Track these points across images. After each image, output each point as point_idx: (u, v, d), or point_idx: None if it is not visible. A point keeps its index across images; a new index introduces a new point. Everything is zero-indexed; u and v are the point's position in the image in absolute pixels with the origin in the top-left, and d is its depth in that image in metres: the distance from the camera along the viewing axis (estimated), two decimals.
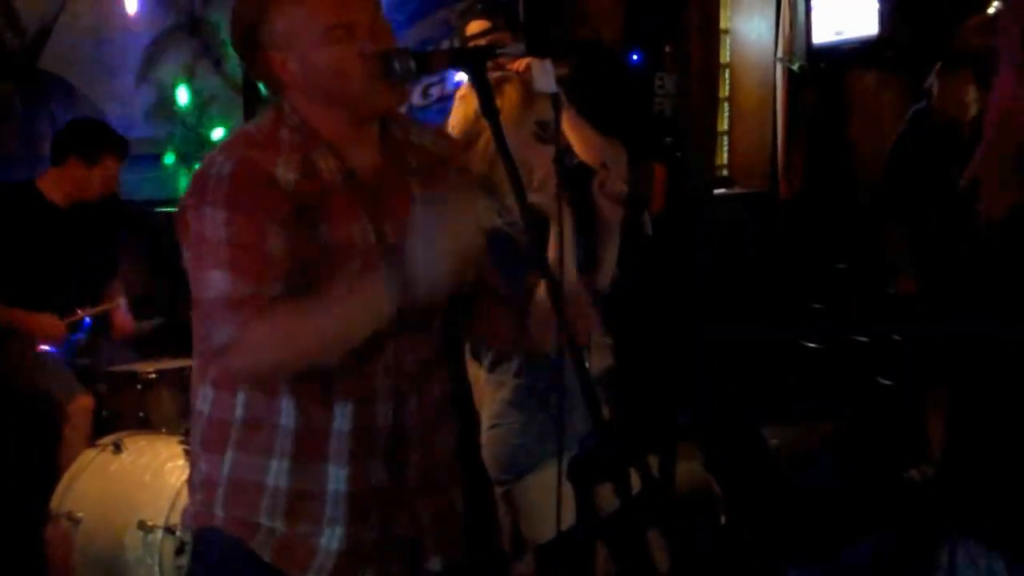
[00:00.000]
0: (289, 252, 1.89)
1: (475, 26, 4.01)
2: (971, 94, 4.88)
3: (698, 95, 7.28)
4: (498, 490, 3.09)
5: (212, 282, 1.88)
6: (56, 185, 4.58)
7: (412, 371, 2.05)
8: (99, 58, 5.89)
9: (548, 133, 3.07)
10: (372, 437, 2.02)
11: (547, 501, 2.97)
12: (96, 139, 4.64)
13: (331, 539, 2.01)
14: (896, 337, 5.18)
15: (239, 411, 2.00)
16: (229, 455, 2.01)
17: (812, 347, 5.53)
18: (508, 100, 3.08)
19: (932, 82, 4.96)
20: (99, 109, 5.80)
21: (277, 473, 2.00)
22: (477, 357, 3.16)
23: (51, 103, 5.75)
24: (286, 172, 1.92)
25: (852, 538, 4.45)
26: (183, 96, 6.11)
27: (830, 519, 4.55)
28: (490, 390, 3.10)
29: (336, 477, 2.01)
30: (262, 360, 1.88)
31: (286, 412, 1.99)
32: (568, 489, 2.86)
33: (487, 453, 3.08)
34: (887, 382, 5.23)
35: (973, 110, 4.87)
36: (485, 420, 3.11)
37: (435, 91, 6.21)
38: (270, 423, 1.99)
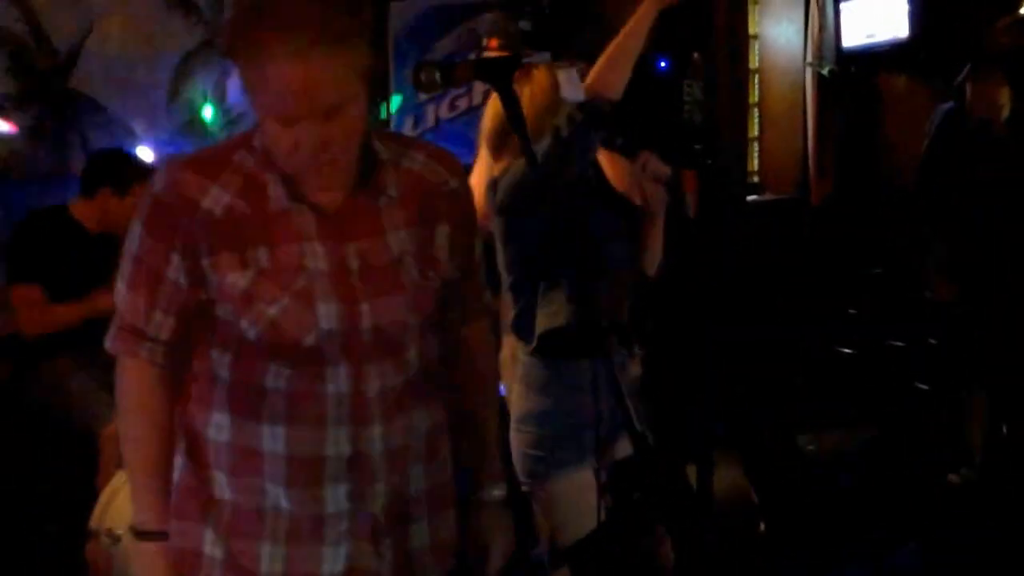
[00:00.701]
0: (192, 281, 1.91)
1: (494, 43, 4.01)
2: (1004, 95, 4.86)
3: (727, 101, 7.27)
4: (524, 490, 3.08)
5: (118, 292, 1.97)
6: (87, 213, 4.61)
7: (377, 400, 1.98)
8: (128, 78, 5.94)
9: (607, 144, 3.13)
10: (318, 464, 1.96)
11: (576, 503, 3.00)
12: (126, 170, 4.68)
13: (272, 560, 1.97)
14: (932, 341, 5.14)
15: (181, 419, 2.03)
16: (179, 461, 2.02)
17: (848, 352, 5.50)
18: (538, 85, 3.11)
19: (963, 84, 4.93)
20: (129, 128, 5.85)
21: (221, 486, 1.99)
22: (518, 335, 3.10)
23: (81, 123, 5.79)
24: (221, 195, 1.90)
25: (892, 543, 4.43)
26: (209, 114, 6.16)
27: (870, 524, 4.52)
28: (522, 374, 3.08)
29: (275, 495, 1.96)
30: (120, 390, 2.02)
31: (216, 425, 1.99)
32: (592, 491, 2.85)
33: (514, 454, 3.05)
34: (924, 387, 5.19)
35: (1006, 111, 4.85)
36: (513, 412, 3.08)
37: (462, 103, 6.23)
38: (204, 435, 1.99)
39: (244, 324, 1.90)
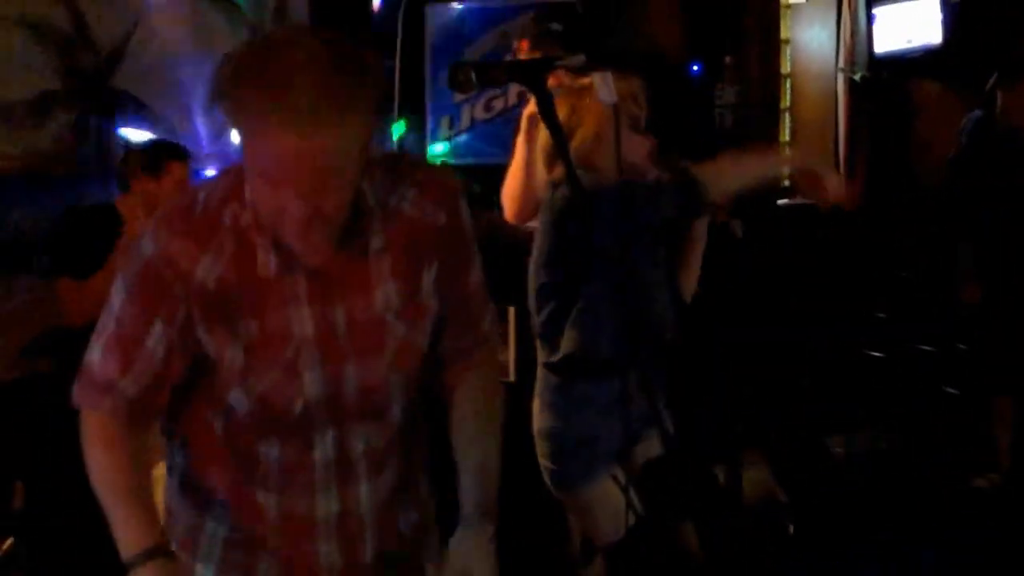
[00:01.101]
0: (175, 354, 1.86)
1: (525, 45, 4.03)
2: None
3: (758, 106, 7.29)
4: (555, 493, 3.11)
5: (91, 345, 1.90)
6: (131, 207, 4.67)
7: (362, 459, 2.00)
8: (172, 77, 5.98)
9: (637, 127, 3.13)
10: (309, 524, 2.00)
11: (601, 510, 3.03)
12: (156, 151, 4.75)
13: None
14: (961, 346, 5.15)
15: (178, 459, 2.05)
16: (172, 490, 2.07)
17: (876, 356, 5.51)
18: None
19: (994, 91, 4.95)
20: (172, 127, 5.90)
21: (215, 529, 2.03)
22: (542, 340, 3.13)
23: (124, 121, 5.84)
24: (213, 265, 1.82)
25: (918, 546, 4.44)
26: None
27: (896, 527, 4.53)
28: (539, 387, 3.11)
29: (270, 541, 2.02)
30: (83, 448, 1.93)
31: (213, 480, 2.02)
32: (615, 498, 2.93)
33: (541, 460, 3.09)
34: (953, 391, 5.20)
35: None
36: (534, 423, 3.12)
37: (498, 104, 6.27)
38: (203, 482, 2.02)
39: (234, 396, 1.89)
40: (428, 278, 1.96)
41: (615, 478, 2.94)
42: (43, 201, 5.49)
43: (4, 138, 5.50)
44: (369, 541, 2.03)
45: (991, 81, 4.98)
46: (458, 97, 6.08)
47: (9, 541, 4.32)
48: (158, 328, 1.84)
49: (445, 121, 6.41)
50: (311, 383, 1.90)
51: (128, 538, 1.88)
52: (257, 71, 1.64)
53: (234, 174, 1.86)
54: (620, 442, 2.95)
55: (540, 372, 3.13)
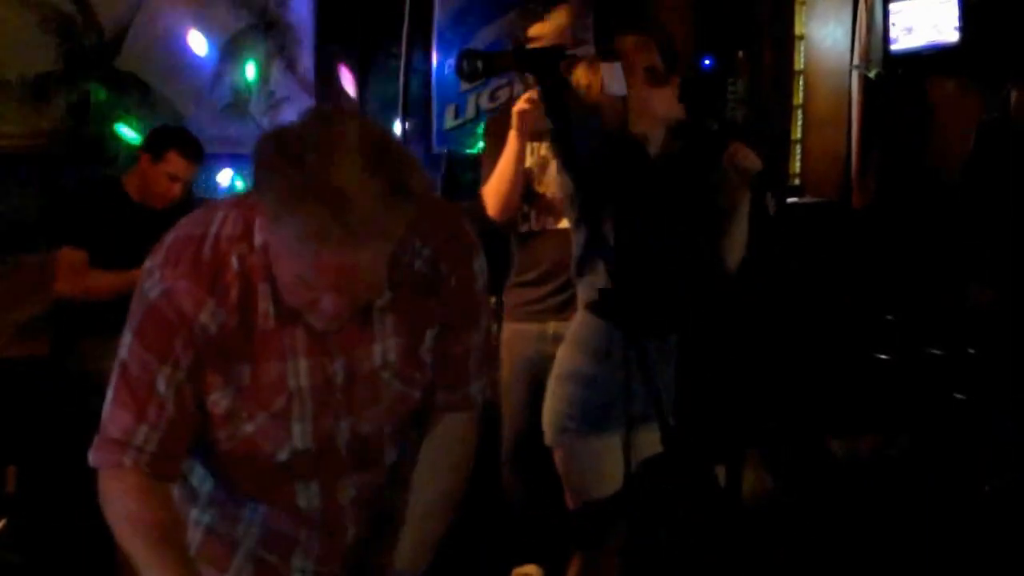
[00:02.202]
0: (188, 399, 1.83)
1: (538, 28, 3.97)
2: None
3: (771, 102, 7.22)
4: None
5: (108, 395, 1.87)
6: (132, 183, 4.70)
7: (350, 506, 2.00)
8: (174, 58, 5.95)
9: (659, 77, 3.11)
10: (287, 556, 2.01)
11: (596, 468, 3.07)
12: (163, 136, 4.75)
13: None
14: (971, 350, 5.10)
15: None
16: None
17: (884, 359, 5.46)
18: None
19: (1010, 92, 4.89)
20: (175, 109, 5.88)
21: (199, 516, 2.04)
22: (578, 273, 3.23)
23: (129, 103, 5.82)
24: (217, 311, 1.81)
25: (925, 551, 4.40)
26: (255, 95, 6.19)
27: (902, 531, 4.49)
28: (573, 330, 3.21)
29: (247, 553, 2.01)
30: (103, 510, 1.88)
31: (196, 515, 2.02)
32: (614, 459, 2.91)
33: (545, 411, 3.17)
34: (961, 396, 5.14)
35: None
36: (556, 368, 3.21)
37: (503, 93, 6.22)
38: (188, 519, 2.01)
39: (219, 436, 1.86)
40: (430, 336, 1.93)
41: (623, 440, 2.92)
42: (44, 182, 5.48)
43: (5, 118, 5.49)
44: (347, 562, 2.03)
45: (1009, 82, 4.92)
46: (464, 86, 6.01)
47: (2, 522, 4.30)
48: (167, 372, 1.80)
49: (451, 110, 6.35)
50: (300, 435, 1.87)
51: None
52: (310, 186, 1.59)
53: (245, 208, 1.82)
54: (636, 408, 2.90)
55: (579, 314, 3.21)
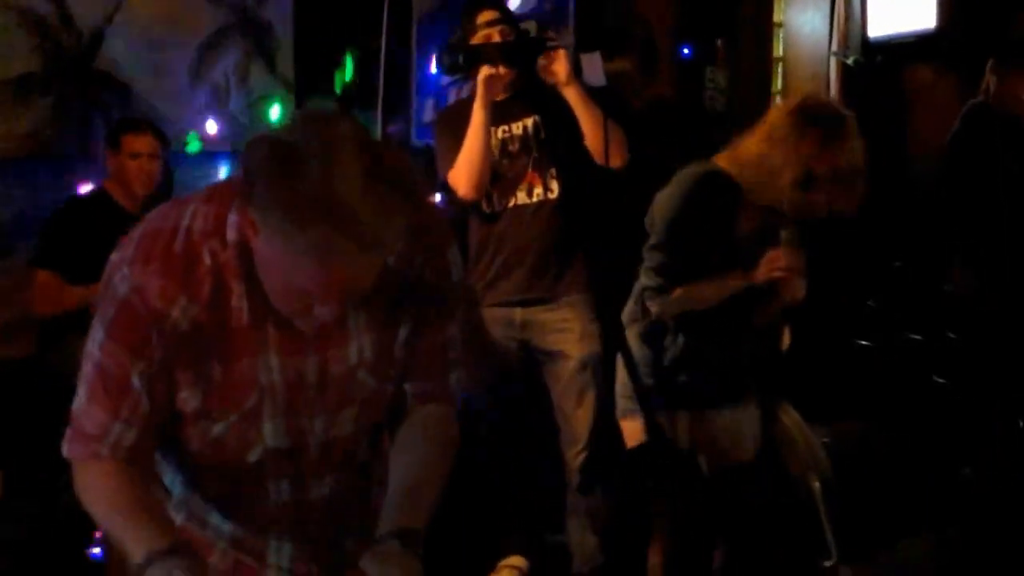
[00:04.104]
0: (162, 394, 1.81)
1: (486, 15, 3.97)
2: None
3: (750, 90, 7.22)
4: None
5: (77, 395, 1.84)
6: (114, 187, 4.71)
7: (321, 502, 1.99)
8: (153, 59, 5.95)
9: None
10: (261, 547, 2.02)
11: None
12: (112, 130, 4.81)
13: None
14: (951, 335, 5.11)
15: None
16: None
17: (865, 345, 5.47)
18: None
19: (989, 78, 4.90)
20: (155, 108, 5.88)
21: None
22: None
23: (106, 103, 5.82)
24: (189, 307, 1.77)
25: (905, 535, 4.41)
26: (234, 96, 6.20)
27: (883, 517, 4.50)
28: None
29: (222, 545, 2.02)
30: (80, 498, 1.86)
31: (172, 507, 2.01)
32: None
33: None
34: (942, 380, 5.16)
35: None
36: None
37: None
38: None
39: (189, 436, 1.85)
40: (404, 331, 1.91)
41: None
42: (23, 185, 5.47)
43: None
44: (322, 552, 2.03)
45: (987, 68, 4.93)
46: (445, 80, 6.00)
47: None
48: (140, 367, 1.77)
49: (430, 103, 6.34)
50: (272, 433, 1.85)
51: (141, 542, 1.75)
52: (318, 207, 1.56)
53: (217, 202, 1.79)
54: None
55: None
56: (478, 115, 3.88)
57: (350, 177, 1.57)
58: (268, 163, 1.61)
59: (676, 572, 3.52)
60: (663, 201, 3.40)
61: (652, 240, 3.39)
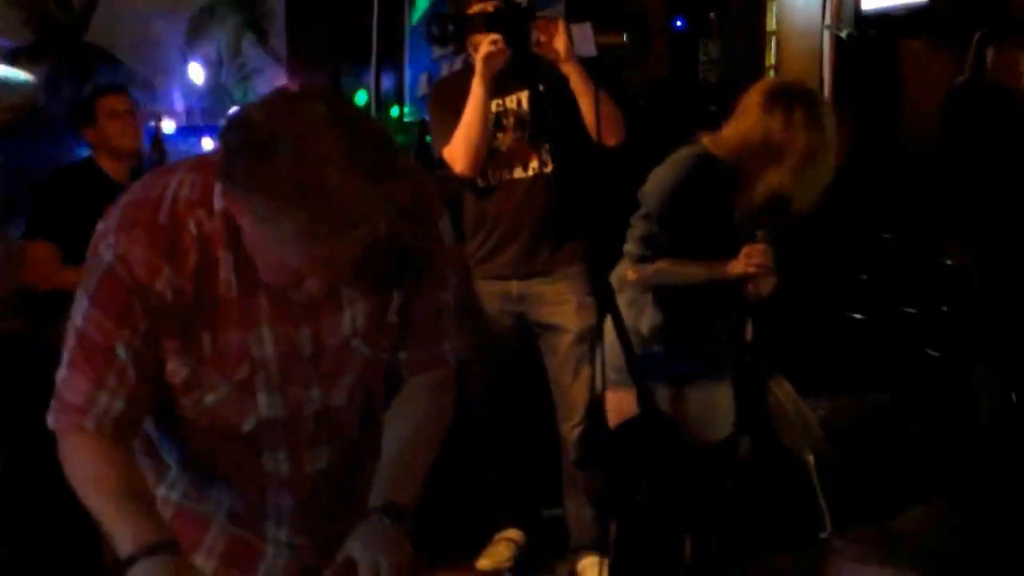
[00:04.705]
0: (141, 363, 1.78)
1: None
2: None
3: (743, 63, 7.21)
4: None
5: (61, 366, 1.82)
6: (101, 158, 4.67)
7: (319, 474, 1.99)
8: (145, 32, 5.92)
9: None
10: (260, 516, 2.01)
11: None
12: (81, 103, 4.76)
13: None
14: (944, 308, 5.13)
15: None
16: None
17: (858, 318, 5.48)
18: None
19: (981, 49, 4.89)
20: (146, 82, 5.85)
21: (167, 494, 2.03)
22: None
23: (97, 76, 5.79)
24: (174, 277, 1.76)
25: (899, 508, 4.43)
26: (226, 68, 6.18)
27: (877, 490, 4.52)
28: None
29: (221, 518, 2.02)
30: (66, 473, 1.83)
31: (164, 492, 2.01)
32: None
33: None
34: (935, 353, 5.17)
35: None
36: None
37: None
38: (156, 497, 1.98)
39: (182, 406, 1.84)
40: (398, 298, 1.91)
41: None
42: (13, 156, 5.45)
43: None
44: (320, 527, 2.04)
45: (975, 39, 4.92)
46: (436, 53, 5.98)
47: None
48: (125, 337, 1.75)
49: (423, 78, 6.32)
50: (268, 404, 1.85)
51: (127, 534, 1.71)
52: (298, 191, 1.55)
53: (203, 171, 1.77)
54: None
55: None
56: (477, 92, 3.88)
57: (328, 157, 1.55)
58: (245, 149, 1.59)
59: (650, 548, 3.54)
60: (657, 177, 3.47)
61: (642, 210, 3.45)
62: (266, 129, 1.58)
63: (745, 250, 3.38)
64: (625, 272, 3.53)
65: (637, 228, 3.48)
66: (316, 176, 1.55)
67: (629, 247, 3.50)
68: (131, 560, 1.67)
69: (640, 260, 3.43)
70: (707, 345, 3.53)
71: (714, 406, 3.53)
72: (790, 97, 3.32)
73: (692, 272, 3.39)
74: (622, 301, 3.47)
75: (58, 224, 4.46)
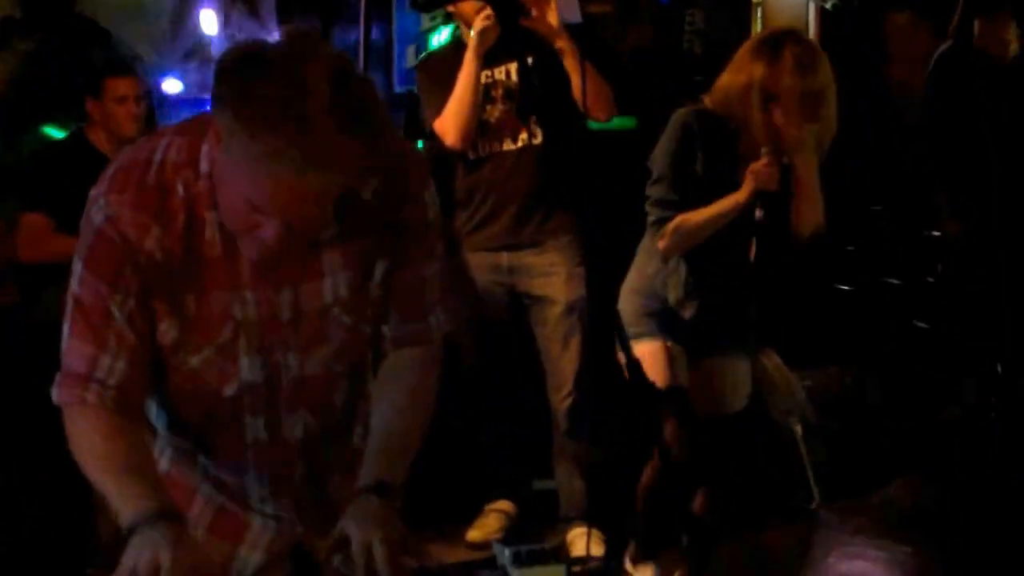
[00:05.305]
0: (136, 324, 1.82)
1: None
2: (1011, 32, 4.85)
3: (729, 33, 7.21)
4: None
5: (63, 338, 1.86)
6: (96, 133, 4.65)
7: (299, 444, 2.00)
8: (134, 4, 5.89)
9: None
10: (240, 487, 2.03)
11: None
12: (90, 74, 4.73)
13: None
14: (930, 280, 5.16)
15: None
16: None
17: (845, 289, 5.52)
18: None
19: (967, 20, 4.91)
20: (136, 55, 5.82)
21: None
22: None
23: (88, 49, 5.76)
24: (163, 237, 1.80)
25: (885, 478, 4.47)
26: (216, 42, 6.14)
27: (863, 460, 4.56)
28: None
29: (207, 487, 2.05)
30: (71, 447, 1.87)
31: (156, 452, 2.04)
32: None
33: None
34: (922, 324, 5.21)
35: (1013, 48, 4.84)
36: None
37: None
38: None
39: (168, 368, 1.88)
40: (381, 268, 1.93)
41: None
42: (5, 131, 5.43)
43: None
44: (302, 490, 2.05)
45: (959, 9, 4.94)
46: (425, 24, 5.97)
47: None
48: (119, 299, 1.80)
49: (411, 50, 6.31)
50: (248, 368, 1.88)
51: (129, 503, 1.75)
52: (273, 104, 1.59)
53: (192, 133, 1.82)
54: None
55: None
56: (470, 65, 3.89)
57: (315, 93, 1.59)
58: (236, 65, 1.64)
59: (657, 509, 3.57)
60: (661, 140, 3.48)
61: (653, 175, 3.48)
62: (264, 56, 1.64)
63: (749, 169, 3.37)
64: (648, 243, 3.55)
65: (652, 193, 3.50)
66: (299, 105, 1.58)
67: (649, 216, 3.53)
68: (133, 529, 1.71)
69: (660, 223, 3.43)
70: (730, 311, 3.53)
71: (733, 379, 3.56)
72: (779, 42, 3.33)
73: (708, 215, 3.39)
74: (647, 271, 3.52)
75: (49, 195, 4.47)
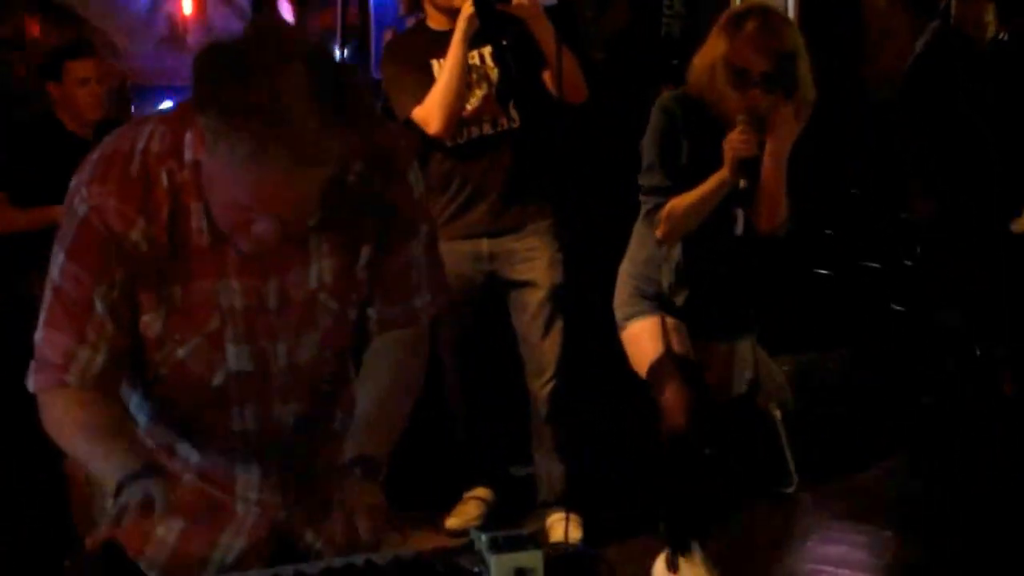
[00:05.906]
0: (119, 316, 1.80)
1: None
2: (990, 13, 4.85)
3: (708, 15, 7.20)
4: None
5: (39, 326, 1.84)
6: (62, 114, 4.62)
7: (289, 430, 1.99)
8: None
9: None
10: (230, 477, 2.02)
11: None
12: (52, 54, 4.69)
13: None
14: (908, 263, 5.17)
15: None
16: None
17: (823, 273, 5.52)
18: None
19: (949, 2, 4.92)
20: (111, 41, 5.78)
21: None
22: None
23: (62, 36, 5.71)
24: (148, 228, 1.77)
25: (864, 462, 4.48)
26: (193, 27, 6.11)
27: (842, 444, 4.57)
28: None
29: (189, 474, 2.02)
30: (48, 431, 1.85)
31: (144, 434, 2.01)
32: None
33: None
34: (899, 308, 5.22)
35: (991, 30, 4.84)
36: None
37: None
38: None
39: (154, 360, 1.86)
40: (366, 252, 1.91)
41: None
42: None
43: None
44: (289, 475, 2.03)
45: None
46: (403, 9, 5.93)
47: None
48: (103, 291, 1.78)
49: (389, 34, 6.27)
50: (235, 357, 1.86)
51: (116, 464, 1.74)
52: (256, 105, 1.57)
53: (175, 122, 1.79)
54: None
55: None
56: (457, 52, 3.84)
57: (296, 89, 1.58)
58: (216, 69, 1.62)
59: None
60: (648, 129, 3.48)
61: (644, 163, 3.47)
62: (240, 53, 1.62)
63: (725, 140, 3.33)
64: (641, 229, 3.55)
65: (644, 181, 3.49)
66: (280, 104, 1.57)
67: (644, 204, 3.53)
68: (121, 485, 1.70)
69: (654, 211, 3.44)
70: (726, 301, 3.54)
71: (740, 363, 3.56)
72: (742, 16, 3.31)
73: (696, 195, 3.37)
74: (639, 257, 3.52)
75: (13, 176, 4.45)
